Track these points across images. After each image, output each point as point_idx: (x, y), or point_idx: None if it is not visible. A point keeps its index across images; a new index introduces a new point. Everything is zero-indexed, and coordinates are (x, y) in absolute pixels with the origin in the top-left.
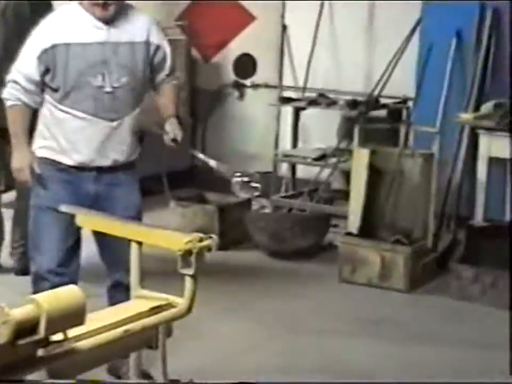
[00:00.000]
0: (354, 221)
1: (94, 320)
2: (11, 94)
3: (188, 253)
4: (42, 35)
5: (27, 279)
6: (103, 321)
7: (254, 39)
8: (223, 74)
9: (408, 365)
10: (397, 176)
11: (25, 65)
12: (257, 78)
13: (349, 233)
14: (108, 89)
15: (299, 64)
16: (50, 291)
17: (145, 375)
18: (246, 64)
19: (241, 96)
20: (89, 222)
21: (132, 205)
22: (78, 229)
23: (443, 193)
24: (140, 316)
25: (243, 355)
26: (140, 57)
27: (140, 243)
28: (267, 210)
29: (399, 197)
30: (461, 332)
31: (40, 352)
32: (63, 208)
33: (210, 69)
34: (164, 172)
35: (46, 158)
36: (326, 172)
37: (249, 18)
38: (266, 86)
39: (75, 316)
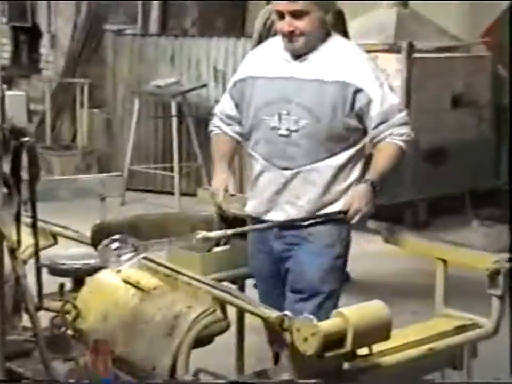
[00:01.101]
0: None
1: (398, 336)
2: (215, 126)
3: (495, 272)
4: (241, 67)
5: None
6: (407, 338)
7: None
8: None
9: None
10: None
11: (223, 99)
12: None
13: None
14: (283, 131)
15: None
16: (356, 305)
17: None
18: None
19: None
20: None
21: (311, 270)
22: None
23: None
24: (444, 335)
25: None
26: (328, 99)
27: (445, 261)
28: None
29: None
30: None
31: (346, 365)
32: None
33: None
34: (467, 190)
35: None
36: None
37: None
38: None
39: (381, 331)
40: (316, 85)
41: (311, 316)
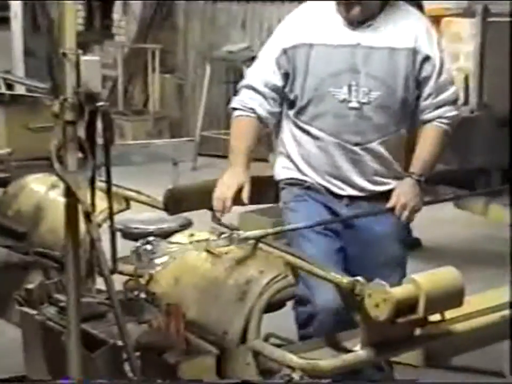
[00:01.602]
0: None
1: (471, 303)
2: (243, 103)
3: None
4: (284, 34)
5: None
6: (480, 305)
7: None
8: None
9: None
10: None
11: (264, 68)
12: None
13: None
14: (354, 104)
15: None
16: (429, 271)
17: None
18: None
19: None
20: None
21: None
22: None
23: None
24: None
25: None
26: (401, 68)
27: None
28: None
29: None
30: None
31: (418, 331)
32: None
33: None
34: None
35: (291, 178)
36: None
37: None
38: None
39: (453, 297)
40: (386, 54)
41: (383, 282)
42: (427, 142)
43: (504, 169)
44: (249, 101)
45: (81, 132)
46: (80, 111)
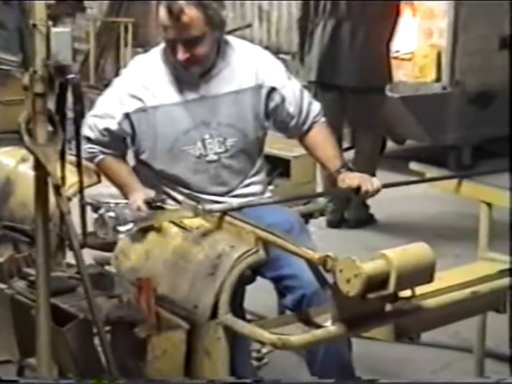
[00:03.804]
0: None
1: (442, 279)
2: (92, 150)
3: None
4: (124, 95)
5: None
6: (450, 281)
7: None
8: None
9: None
10: None
11: (97, 126)
12: None
13: None
14: (212, 157)
15: None
16: (400, 247)
17: None
18: None
19: None
20: None
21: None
22: None
23: None
24: (488, 278)
25: None
26: (248, 108)
27: (489, 204)
28: None
29: None
30: None
31: (388, 307)
32: None
33: None
34: None
35: None
36: None
37: None
38: None
39: (424, 273)
40: (231, 98)
41: (354, 257)
42: (323, 141)
43: (475, 145)
44: (96, 147)
45: (52, 105)
46: (50, 83)
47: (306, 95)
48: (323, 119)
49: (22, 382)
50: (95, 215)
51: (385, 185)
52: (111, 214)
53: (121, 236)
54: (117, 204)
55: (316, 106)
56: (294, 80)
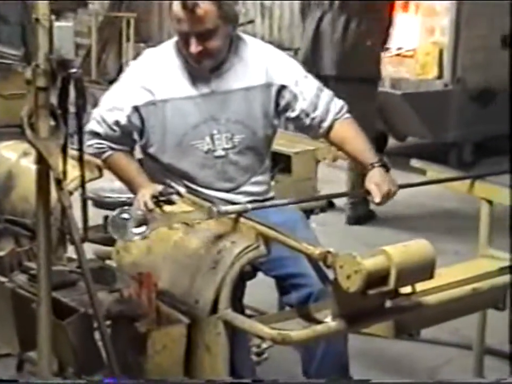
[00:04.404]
0: None
1: (442, 275)
2: (99, 145)
3: None
4: (133, 88)
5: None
6: (451, 277)
7: None
8: None
9: None
10: None
11: (106, 122)
12: None
13: None
14: (220, 152)
15: None
16: (401, 243)
17: None
18: None
19: None
20: None
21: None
22: None
23: None
24: (488, 275)
25: None
26: (258, 106)
27: (490, 202)
28: None
29: None
30: None
31: (389, 303)
32: None
33: None
34: None
35: None
36: None
37: None
38: None
39: (424, 269)
40: (241, 94)
41: (355, 253)
42: (352, 135)
43: (476, 143)
44: (104, 143)
45: (54, 99)
46: (53, 77)
47: (326, 93)
48: (347, 115)
49: (22, 382)
50: (109, 217)
51: (401, 186)
52: (125, 215)
53: (135, 238)
54: (129, 205)
55: (338, 103)
56: (310, 78)
